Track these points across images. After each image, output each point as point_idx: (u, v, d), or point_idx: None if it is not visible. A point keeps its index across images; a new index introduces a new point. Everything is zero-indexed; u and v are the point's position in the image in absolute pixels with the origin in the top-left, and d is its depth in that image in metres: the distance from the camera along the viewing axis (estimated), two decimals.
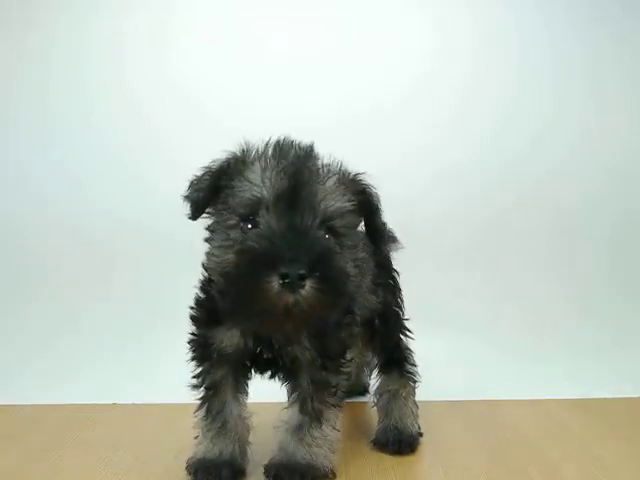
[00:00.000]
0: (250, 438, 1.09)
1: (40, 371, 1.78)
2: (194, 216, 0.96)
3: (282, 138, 0.95)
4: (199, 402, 1.07)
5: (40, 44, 2.36)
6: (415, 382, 1.30)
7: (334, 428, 1.04)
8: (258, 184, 0.87)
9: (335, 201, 0.89)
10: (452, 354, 1.81)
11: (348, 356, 1.06)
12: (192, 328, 1.06)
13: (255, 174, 0.89)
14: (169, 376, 1.72)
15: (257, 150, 0.95)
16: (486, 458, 1.19)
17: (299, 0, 2.42)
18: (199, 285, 1.05)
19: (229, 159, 0.96)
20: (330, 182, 0.92)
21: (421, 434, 1.25)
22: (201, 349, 1.04)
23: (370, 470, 1.13)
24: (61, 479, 1.11)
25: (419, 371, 1.32)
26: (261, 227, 0.86)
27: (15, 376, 1.74)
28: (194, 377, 1.06)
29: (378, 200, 0.99)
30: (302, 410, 1.03)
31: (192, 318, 1.05)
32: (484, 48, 2.44)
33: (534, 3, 2.45)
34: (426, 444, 1.25)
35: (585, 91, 2.46)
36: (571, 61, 2.46)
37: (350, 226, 0.93)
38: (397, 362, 1.29)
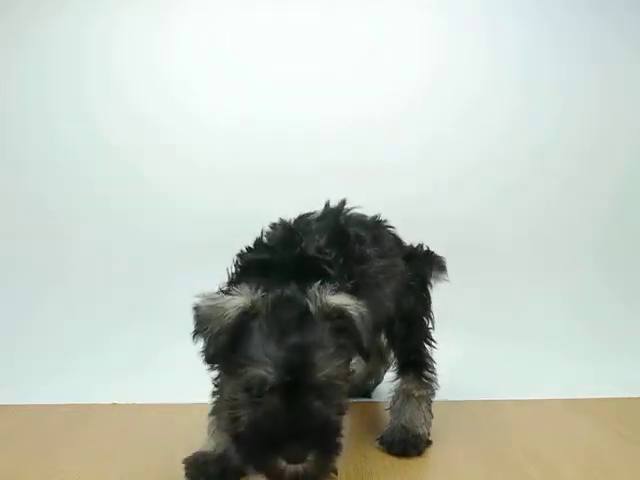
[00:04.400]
0: None
1: (40, 371, 1.79)
2: (215, 364, 1.04)
3: (283, 293, 0.99)
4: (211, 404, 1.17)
5: (36, 45, 2.36)
6: (433, 390, 1.30)
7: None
8: (263, 365, 0.93)
9: (328, 367, 0.95)
10: (452, 354, 1.81)
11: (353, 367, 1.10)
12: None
13: (259, 352, 0.94)
14: (169, 376, 1.73)
15: (263, 309, 0.97)
16: (486, 458, 1.19)
17: (308, 9, 2.42)
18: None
19: (238, 315, 0.97)
20: (323, 348, 0.96)
21: (430, 441, 1.24)
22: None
23: (370, 470, 1.13)
24: (61, 479, 1.11)
25: None
26: (265, 405, 0.93)
27: (15, 376, 1.74)
28: (213, 382, 1.14)
29: (361, 322, 1.01)
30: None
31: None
32: (494, 62, 2.44)
33: (546, 21, 2.45)
34: None
35: (595, 101, 2.47)
36: (582, 77, 2.46)
37: (338, 376, 0.98)
38: (414, 366, 1.31)
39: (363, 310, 1.02)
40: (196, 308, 1.02)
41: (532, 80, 2.46)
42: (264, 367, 0.93)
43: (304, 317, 0.97)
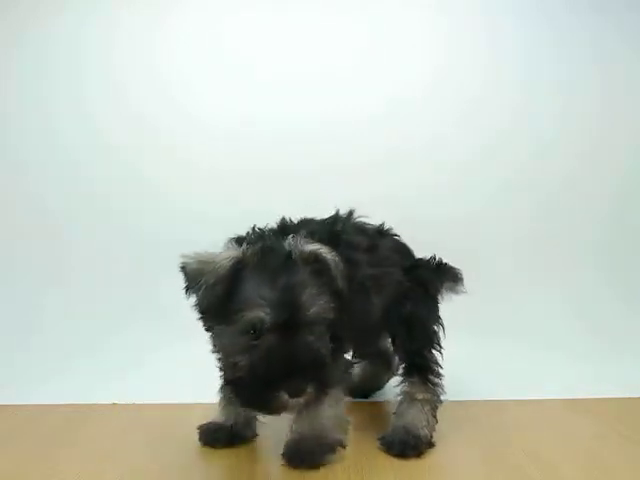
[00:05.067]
0: None
1: (40, 371, 1.79)
2: (204, 316, 1.10)
3: (266, 243, 1.10)
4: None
5: (36, 45, 2.36)
6: (438, 396, 1.30)
7: (337, 407, 1.17)
8: (258, 307, 1.01)
9: (315, 305, 1.04)
10: (452, 354, 1.81)
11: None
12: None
13: (254, 296, 1.02)
14: (169, 376, 1.73)
15: (251, 259, 1.06)
16: (486, 458, 1.19)
17: (308, 9, 2.41)
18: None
19: (231, 266, 1.04)
20: (309, 287, 1.05)
21: (432, 444, 1.23)
22: None
23: (370, 469, 1.13)
24: (61, 479, 1.11)
25: None
26: (263, 344, 1.01)
27: (15, 376, 1.74)
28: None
29: (336, 268, 1.10)
30: (310, 423, 1.14)
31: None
32: (494, 62, 2.44)
33: (546, 21, 2.45)
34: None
35: (595, 101, 2.47)
36: (582, 77, 2.46)
37: (324, 313, 1.07)
38: (419, 369, 1.31)
39: (335, 256, 1.11)
40: (184, 266, 1.09)
41: (532, 80, 2.46)
42: (261, 308, 1.00)
43: (288, 262, 1.06)
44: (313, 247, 1.09)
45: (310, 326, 1.04)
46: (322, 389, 1.03)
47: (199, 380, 1.69)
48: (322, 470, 1.12)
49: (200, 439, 1.26)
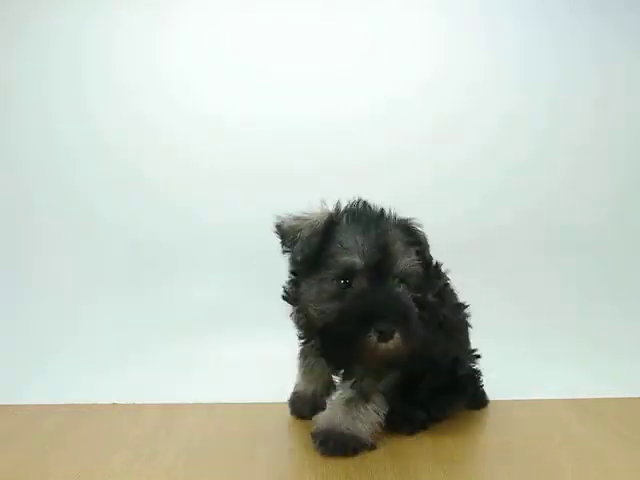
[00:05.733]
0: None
1: (40, 371, 1.79)
2: (304, 270, 1.16)
3: (359, 202, 1.19)
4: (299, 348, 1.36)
5: (35, 45, 2.36)
6: None
7: (378, 411, 1.19)
8: (352, 252, 1.08)
9: (406, 259, 1.12)
10: None
11: None
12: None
13: (349, 242, 1.10)
14: (169, 376, 1.73)
15: (345, 214, 1.16)
16: (486, 458, 1.19)
17: (308, 9, 2.41)
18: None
19: (326, 220, 1.14)
20: (399, 241, 1.13)
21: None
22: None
23: (369, 469, 1.13)
24: (61, 479, 1.11)
25: None
26: (355, 288, 1.08)
27: (15, 376, 1.74)
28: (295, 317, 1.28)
29: (426, 239, 1.22)
30: (353, 386, 1.20)
31: (284, 298, 1.26)
32: (494, 62, 2.44)
33: (546, 21, 2.45)
34: (427, 444, 1.25)
35: (595, 101, 2.47)
36: (582, 77, 2.46)
37: (414, 273, 1.15)
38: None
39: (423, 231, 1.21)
40: (279, 225, 1.19)
41: (532, 80, 2.46)
42: (353, 254, 1.08)
43: (380, 219, 1.15)
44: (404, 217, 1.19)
45: (401, 277, 1.10)
46: (409, 338, 1.05)
47: (199, 380, 1.70)
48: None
49: (291, 412, 1.38)
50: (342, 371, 1.25)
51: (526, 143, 2.46)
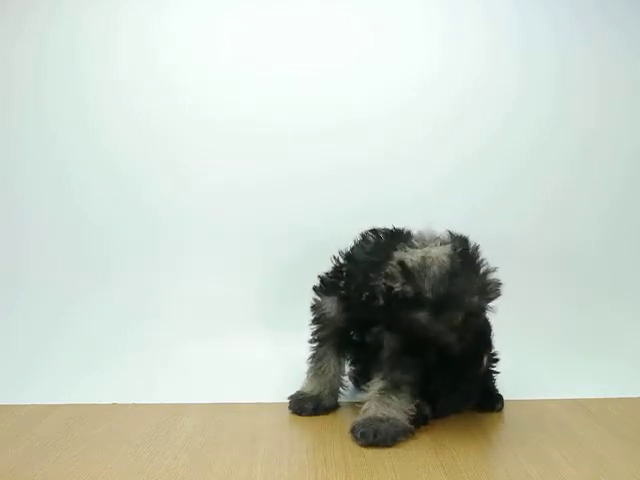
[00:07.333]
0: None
1: (40, 371, 1.79)
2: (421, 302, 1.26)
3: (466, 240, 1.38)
4: (312, 352, 1.45)
5: (35, 45, 2.36)
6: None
7: (410, 400, 1.27)
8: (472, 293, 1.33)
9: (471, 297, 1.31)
10: None
11: None
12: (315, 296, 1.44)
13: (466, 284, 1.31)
14: (169, 376, 1.73)
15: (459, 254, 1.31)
16: (486, 458, 1.19)
17: (308, 9, 2.41)
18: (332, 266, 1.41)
19: (449, 260, 1.28)
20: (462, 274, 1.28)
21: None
22: (316, 312, 1.43)
23: (369, 469, 1.13)
24: (61, 479, 1.11)
25: None
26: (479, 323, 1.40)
27: (15, 376, 1.74)
28: (312, 334, 1.45)
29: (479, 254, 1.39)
30: (384, 378, 1.28)
31: (314, 289, 1.43)
32: (494, 62, 2.43)
33: (546, 21, 2.45)
34: (427, 444, 1.25)
35: (595, 101, 2.46)
36: (581, 77, 2.45)
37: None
38: None
39: None
40: (402, 263, 1.25)
41: (532, 80, 2.45)
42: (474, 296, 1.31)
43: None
44: None
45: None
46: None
47: (199, 380, 1.70)
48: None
49: (289, 407, 1.42)
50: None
51: (527, 143, 2.46)
